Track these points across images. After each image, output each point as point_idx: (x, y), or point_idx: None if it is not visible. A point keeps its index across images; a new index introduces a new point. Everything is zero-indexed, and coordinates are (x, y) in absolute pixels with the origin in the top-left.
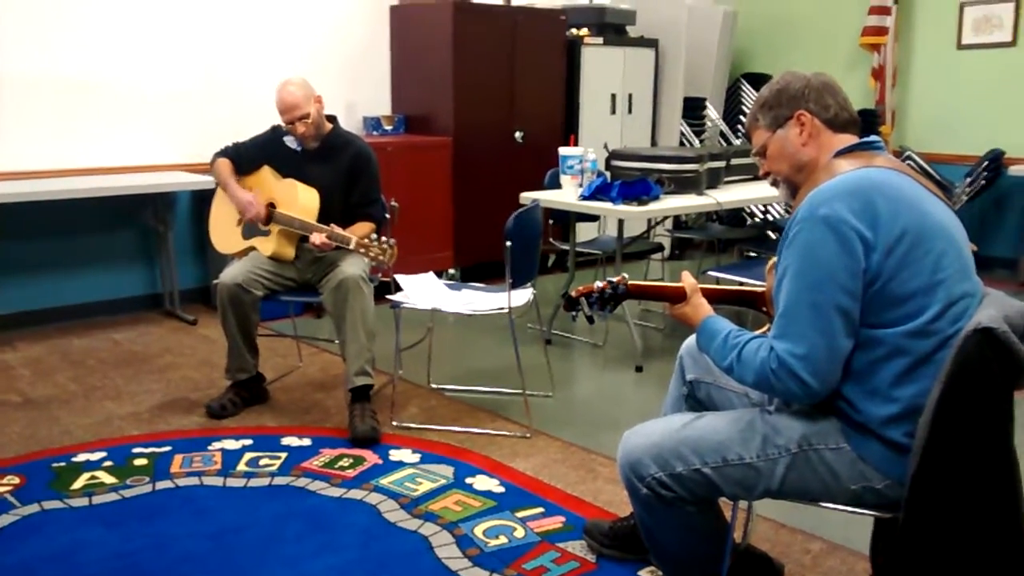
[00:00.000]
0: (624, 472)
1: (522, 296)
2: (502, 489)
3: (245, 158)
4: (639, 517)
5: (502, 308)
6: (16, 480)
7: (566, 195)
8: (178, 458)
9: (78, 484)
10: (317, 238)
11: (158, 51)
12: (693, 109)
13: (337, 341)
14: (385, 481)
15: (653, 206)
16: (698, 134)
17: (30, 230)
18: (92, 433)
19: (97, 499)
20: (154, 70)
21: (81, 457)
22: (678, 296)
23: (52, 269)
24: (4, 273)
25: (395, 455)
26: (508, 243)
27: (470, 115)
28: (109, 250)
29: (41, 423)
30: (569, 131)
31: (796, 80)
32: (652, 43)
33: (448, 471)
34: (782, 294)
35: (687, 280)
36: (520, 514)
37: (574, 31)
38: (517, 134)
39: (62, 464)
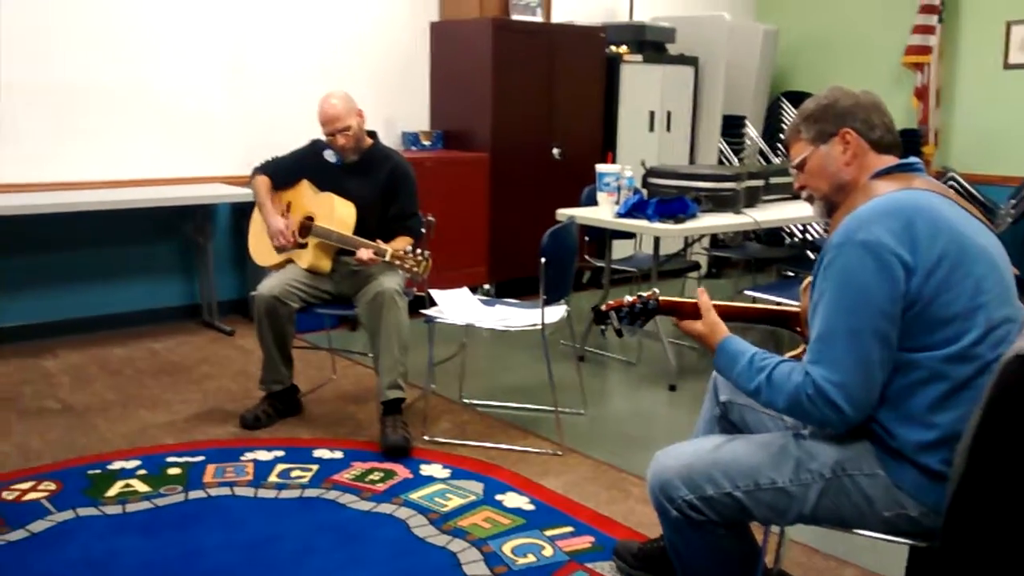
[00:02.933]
0: (654, 493)
1: (556, 313)
2: (532, 507)
3: (284, 172)
4: (669, 539)
5: (536, 324)
6: (52, 486)
7: (602, 212)
8: (211, 468)
9: (113, 492)
10: (364, 253)
11: (201, 66)
12: (732, 127)
13: (371, 354)
14: (415, 496)
15: (689, 224)
16: (737, 152)
17: (74, 240)
18: (128, 441)
19: (131, 507)
20: (198, 85)
21: (116, 465)
22: (690, 312)
23: (94, 278)
24: (47, 282)
25: (426, 470)
26: (543, 259)
27: (508, 131)
28: (150, 261)
29: (79, 430)
30: (607, 148)
31: (845, 97)
32: (692, 61)
33: (478, 487)
34: (818, 318)
35: (701, 298)
36: (549, 533)
37: (613, 48)
38: (555, 150)
39: (98, 471)
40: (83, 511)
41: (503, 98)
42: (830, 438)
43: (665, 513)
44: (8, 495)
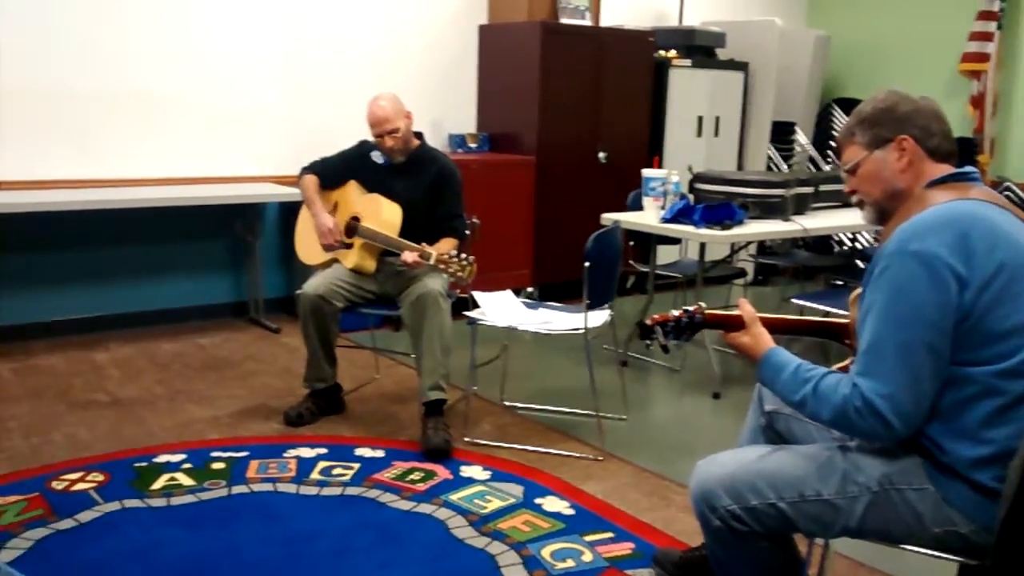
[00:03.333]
0: (696, 502)
1: (599, 317)
2: (572, 511)
3: (332, 172)
4: (710, 549)
5: (578, 329)
6: (100, 477)
7: (648, 217)
8: (254, 464)
9: (158, 485)
10: (409, 256)
11: (254, 68)
12: (782, 133)
13: (413, 355)
14: (455, 497)
15: (736, 231)
16: (786, 159)
17: (127, 236)
18: (174, 435)
19: (175, 500)
20: (250, 87)
21: (162, 458)
22: (736, 324)
23: (145, 274)
24: (100, 276)
25: (466, 471)
26: (587, 264)
27: (554, 134)
28: (199, 258)
29: (127, 423)
30: (653, 153)
31: (904, 102)
32: (742, 66)
33: (518, 490)
34: (867, 330)
35: (745, 308)
36: (589, 538)
37: (662, 52)
38: (601, 154)
39: (144, 464)
40: (129, 503)
41: (550, 101)
42: (878, 451)
43: (707, 522)
44: (58, 485)
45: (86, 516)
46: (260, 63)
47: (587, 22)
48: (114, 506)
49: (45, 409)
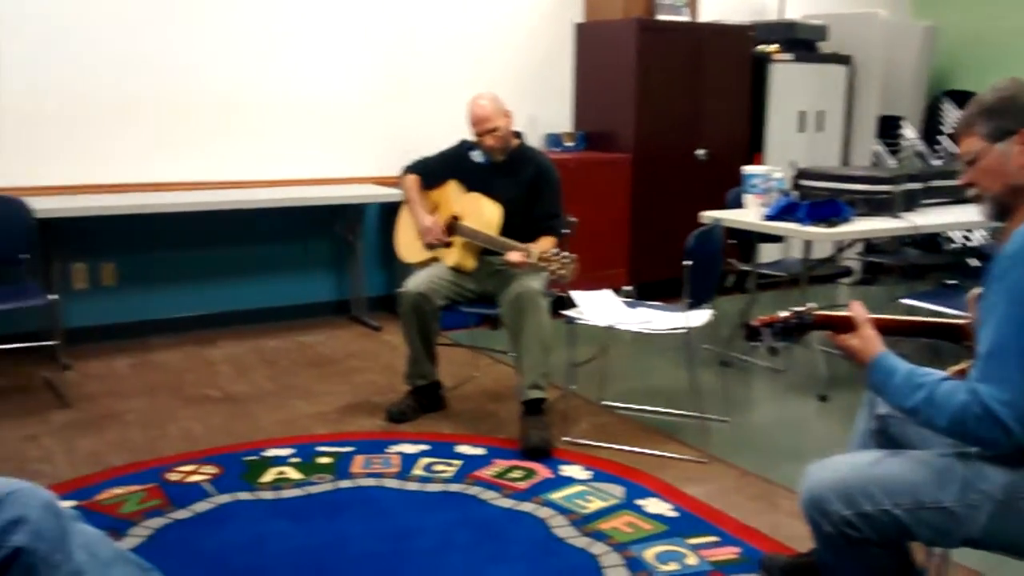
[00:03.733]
0: (807, 507)
1: (701, 316)
2: (675, 513)
3: (432, 172)
4: (821, 556)
5: (680, 328)
6: (213, 470)
7: (749, 215)
8: (359, 459)
9: (267, 478)
10: (515, 256)
11: (355, 71)
12: (888, 128)
13: (513, 353)
14: (555, 496)
15: (843, 228)
16: (893, 154)
17: (236, 237)
18: (282, 430)
19: (284, 493)
20: (352, 89)
21: (271, 452)
22: (846, 326)
23: (253, 273)
24: (211, 276)
25: (566, 470)
26: (688, 262)
27: (651, 132)
28: (303, 258)
29: (237, 417)
30: (754, 149)
31: None
32: (845, 59)
33: (619, 491)
34: (988, 334)
35: (856, 309)
36: (693, 541)
37: (762, 47)
38: (699, 151)
39: (254, 458)
40: (240, 495)
41: (647, 99)
42: (1002, 458)
43: (818, 528)
44: (173, 476)
45: (200, 507)
46: (361, 66)
47: (684, 18)
48: (226, 498)
49: (161, 403)
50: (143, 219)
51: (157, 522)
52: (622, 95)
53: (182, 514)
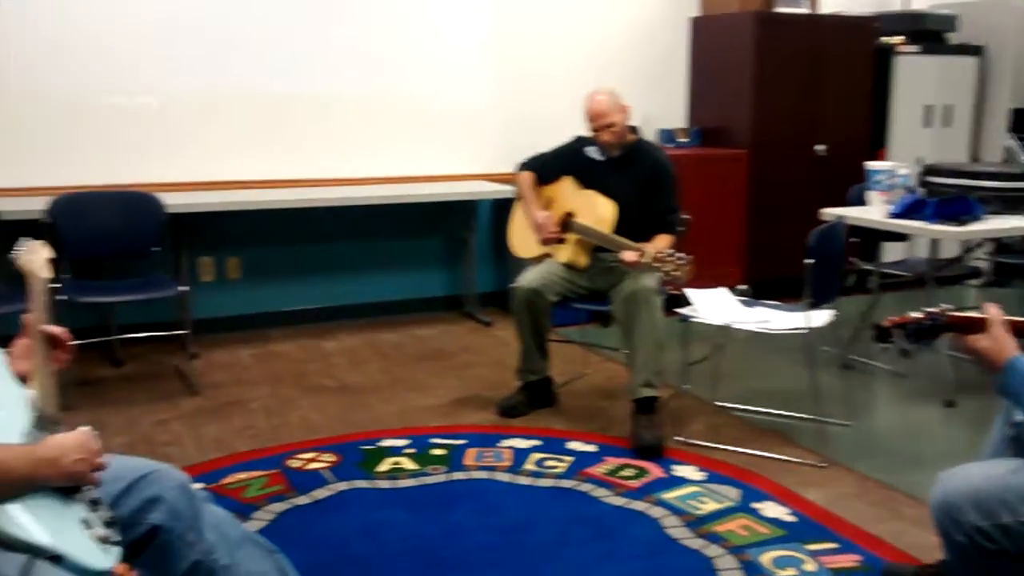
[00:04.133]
0: (938, 516)
1: (822, 316)
2: (792, 518)
3: (547, 169)
4: (951, 567)
5: (800, 328)
6: (332, 458)
7: (872, 212)
8: (471, 451)
9: (383, 467)
10: (629, 256)
11: (467, 68)
12: (1022, 122)
13: (624, 351)
14: (668, 496)
15: (973, 227)
16: None
17: (352, 232)
18: (397, 420)
19: (400, 483)
20: (467, 86)
21: (387, 442)
22: (978, 328)
23: (368, 268)
24: (328, 270)
25: (679, 470)
26: (809, 260)
27: (769, 127)
28: (417, 253)
29: (354, 408)
30: (876, 145)
31: None
32: (976, 50)
33: (734, 493)
34: None
35: (991, 311)
36: (811, 547)
37: (886, 39)
38: (818, 147)
39: (370, 447)
40: (357, 483)
41: (764, 93)
42: None
43: (950, 539)
44: (295, 463)
45: (320, 493)
46: (475, 64)
47: (804, 10)
48: (344, 485)
49: (282, 392)
50: (266, 215)
51: (279, 507)
52: (738, 90)
53: (302, 500)
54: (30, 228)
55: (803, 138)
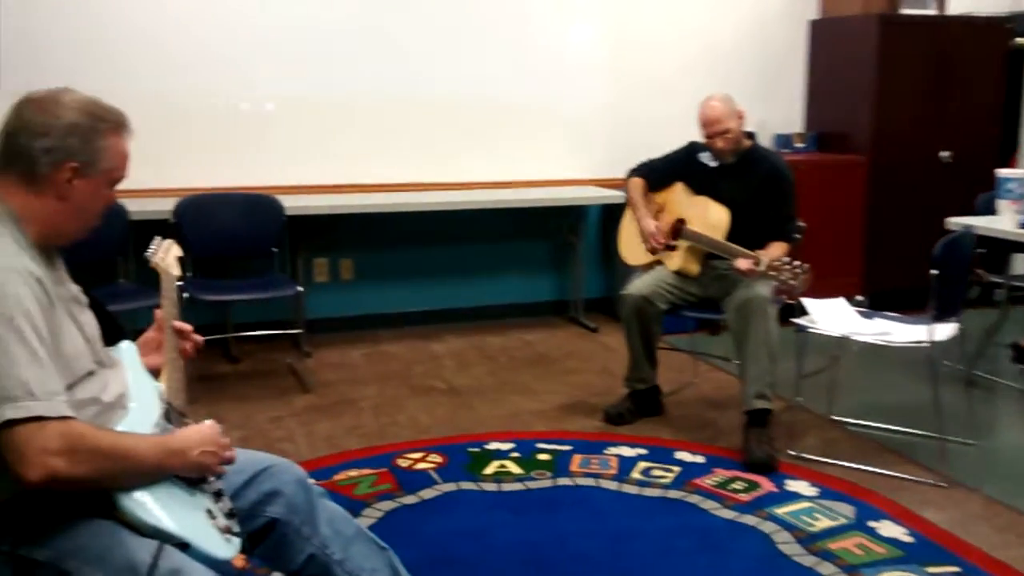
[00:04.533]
0: None
1: (945, 330)
2: (911, 539)
3: (658, 174)
4: None
5: (922, 341)
6: (439, 459)
7: (1003, 222)
8: (577, 458)
9: (489, 470)
10: (743, 264)
11: (579, 73)
12: None
13: (735, 360)
14: (780, 511)
15: None
16: None
17: (461, 236)
18: (502, 424)
19: (505, 487)
20: (576, 92)
21: (493, 445)
22: None
23: (476, 272)
24: (438, 273)
25: (791, 485)
26: (934, 271)
27: (890, 133)
28: (525, 257)
29: (460, 410)
30: (1008, 151)
31: None
32: None
33: (848, 510)
34: None
35: None
36: (932, 570)
37: (1021, 40)
38: (943, 154)
39: (476, 450)
40: (464, 485)
41: (886, 97)
42: None
43: None
44: (403, 462)
45: (427, 493)
46: (588, 69)
47: (931, 11)
48: (451, 487)
49: (391, 392)
50: (379, 218)
51: (387, 505)
52: (858, 94)
53: (410, 499)
54: (157, 228)
55: (927, 144)
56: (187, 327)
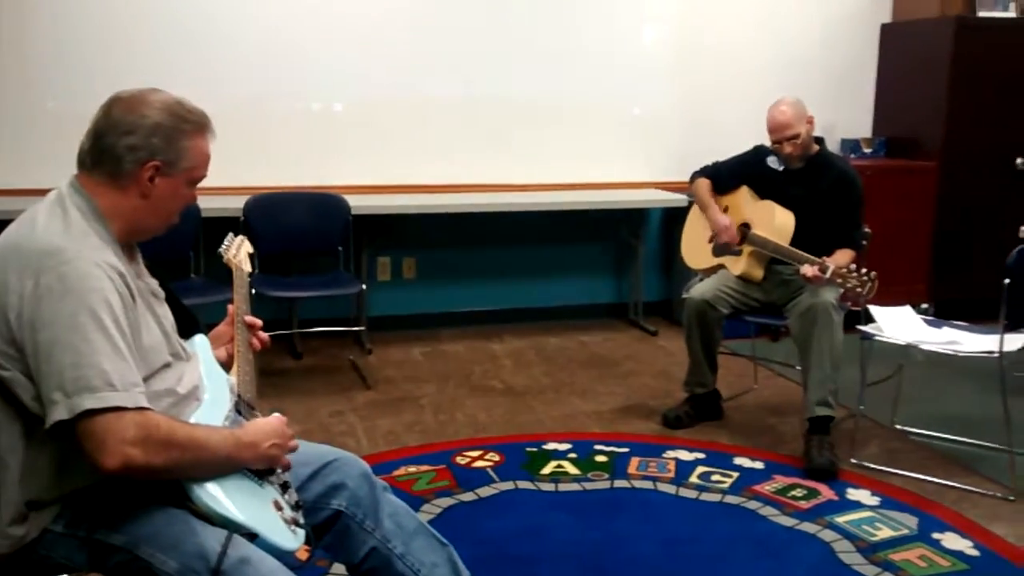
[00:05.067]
0: None
1: (1016, 341)
2: (976, 552)
3: (725, 177)
4: None
5: (992, 352)
6: (496, 457)
7: None
8: (635, 460)
9: (547, 470)
10: (809, 271)
11: (646, 76)
12: None
13: (798, 367)
14: (841, 519)
15: None
16: None
17: (521, 237)
18: (560, 425)
19: (562, 487)
20: (643, 95)
21: (550, 446)
22: None
23: (536, 273)
24: (497, 274)
25: (852, 494)
26: (1007, 280)
27: (963, 138)
28: (585, 260)
29: (518, 409)
30: None
31: None
32: None
33: (911, 521)
34: None
35: None
36: None
37: None
38: (1020, 160)
39: (534, 449)
40: (521, 484)
41: (960, 103)
42: None
43: None
44: (461, 460)
45: (485, 491)
46: (654, 72)
47: (1011, 14)
48: (508, 485)
49: (450, 391)
50: (441, 218)
51: (445, 502)
52: (931, 98)
53: (468, 496)
54: (228, 225)
55: (1001, 151)
56: (258, 322)
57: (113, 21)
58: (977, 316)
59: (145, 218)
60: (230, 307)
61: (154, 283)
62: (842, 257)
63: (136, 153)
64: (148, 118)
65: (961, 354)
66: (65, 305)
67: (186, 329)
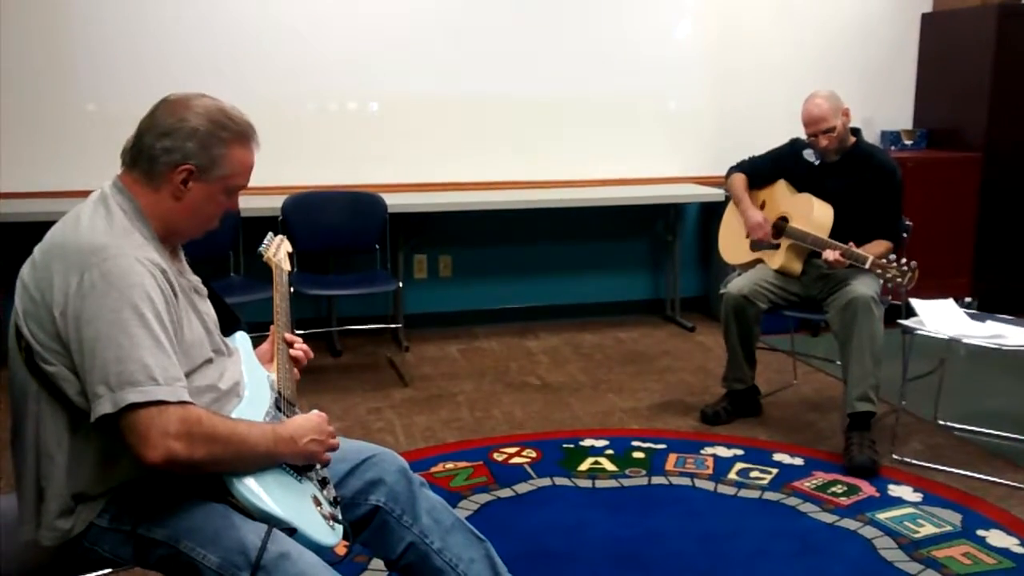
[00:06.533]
0: None
1: None
2: (1023, 550)
3: (760, 171)
4: None
5: None
6: (533, 454)
7: None
8: (672, 457)
9: (584, 466)
10: (830, 255)
11: (681, 71)
12: None
13: (838, 362)
14: (882, 516)
15: None
16: None
17: (557, 233)
18: (597, 421)
19: (599, 483)
20: (678, 90)
21: (587, 442)
22: None
23: (572, 269)
24: (533, 270)
25: (894, 490)
26: None
27: (1007, 130)
28: (621, 256)
29: (555, 406)
30: None
31: None
32: None
33: (955, 518)
34: None
35: None
36: None
37: None
38: None
39: (571, 446)
40: (558, 480)
41: (1003, 93)
42: None
43: None
44: (498, 456)
45: (522, 488)
46: (689, 66)
47: None
48: (545, 481)
49: (487, 387)
50: (477, 216)
51: (482, 498)
52: (973, 89)
53: (505, 492)
54: (267, 224)
55: None
56: (296, 339)
57: (152, 24)
58: (1020, 309)
59: (178, 220)
60: (272, 327)
61: (197, 280)
62: (878, 248)
63: (170, 155)
64: (187, 122)
65: (1005, 348)
66: (108, 301)
67: (228, 326)
